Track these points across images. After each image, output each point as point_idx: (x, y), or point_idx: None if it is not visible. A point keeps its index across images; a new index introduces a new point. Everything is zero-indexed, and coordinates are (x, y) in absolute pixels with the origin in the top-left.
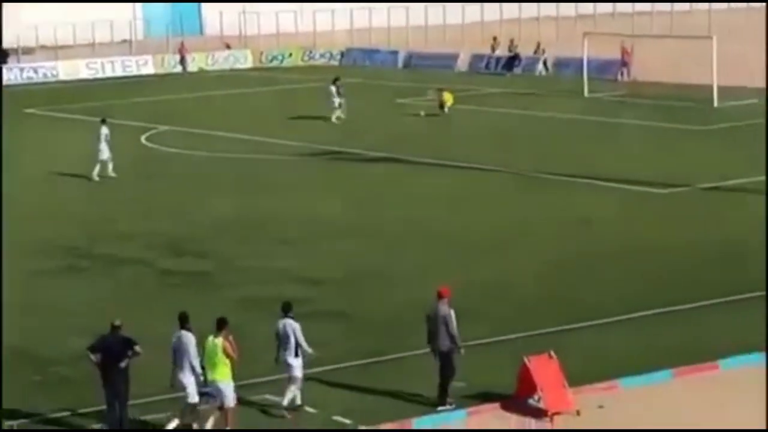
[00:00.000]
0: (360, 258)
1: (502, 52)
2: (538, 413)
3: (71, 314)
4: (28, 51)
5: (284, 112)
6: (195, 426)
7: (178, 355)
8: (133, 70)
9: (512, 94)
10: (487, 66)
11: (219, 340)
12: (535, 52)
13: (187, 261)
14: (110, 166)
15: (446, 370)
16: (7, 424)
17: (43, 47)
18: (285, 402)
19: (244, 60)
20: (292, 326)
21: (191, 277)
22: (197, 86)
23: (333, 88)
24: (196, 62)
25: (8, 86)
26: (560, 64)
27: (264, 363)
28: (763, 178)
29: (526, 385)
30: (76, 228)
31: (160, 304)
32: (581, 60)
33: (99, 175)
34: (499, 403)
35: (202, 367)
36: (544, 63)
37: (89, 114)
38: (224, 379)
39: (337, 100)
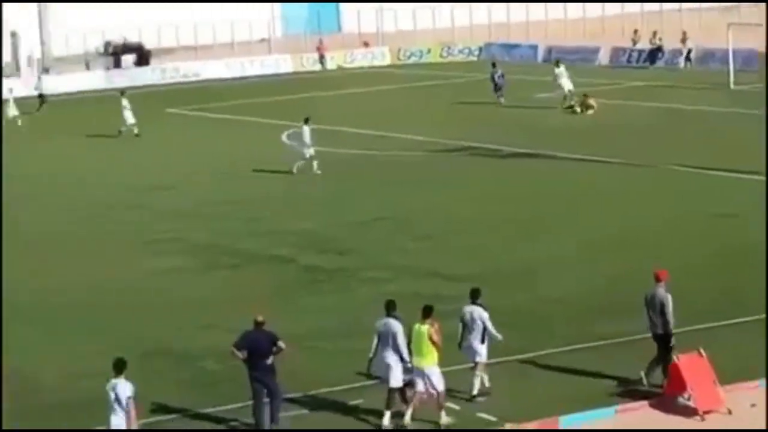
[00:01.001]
0: (501, 254)
1: (643, 44)
2: (689, 412)
3: (215, 310)
4: (169, 51)
5: (424, 108)
6: (404, 410)
7: (382, 341)
8: (273, 69)
9: (656, 87)
10: (629, 59)
11: (425, 327)
12: (682, 41)
13: (330, 258)
14: (314, 164)
15: (665, 353)
16: (159, 419)
17: (184, 47)
18: (475, 390)
19: (382, 57)
20: (480, 313)
21: (333, 274)
22: (336, 84)
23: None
24: (334, 60)
25: (150, 86)
26: (704, 56)
27: None
28: None
29: (676, 383)
30: (219, 225)
31: (301, 300)
32: (725, 52)
33: (298, 170)
34: (648, 402)
35: (409, 352)
36: (688, 55)
37: (232, 113)
38: (431, 365)
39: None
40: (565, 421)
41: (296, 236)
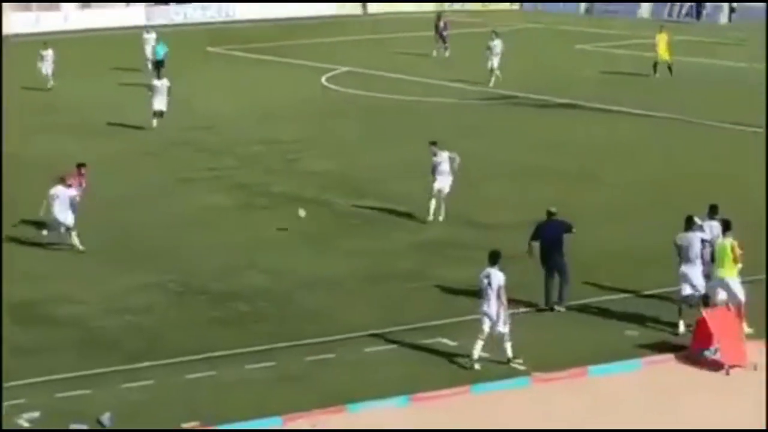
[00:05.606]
0: (538, 203)
1: None
2: (715, 366)
3: (249, 251)
4: None
5: (461, 57)
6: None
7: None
8: (313, 11)
9: (699, 43)
10: (669, 14)
11: (728, 242)
12: None
13: (366, 203)
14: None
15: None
16: (186, 359)
17: None
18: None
19: None
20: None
21: (369, 219)
22: (378, 29)
23: None
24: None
25: (188, 25)
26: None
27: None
28: None
29: (703, 336)
30: (254, 165)
31: (337, 244)
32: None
33: None
34: (675, 355)
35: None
36: (731, 10)
37: (272, 54)
38: (733, 277)
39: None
40: (593, 371)
41: (331, 179)
